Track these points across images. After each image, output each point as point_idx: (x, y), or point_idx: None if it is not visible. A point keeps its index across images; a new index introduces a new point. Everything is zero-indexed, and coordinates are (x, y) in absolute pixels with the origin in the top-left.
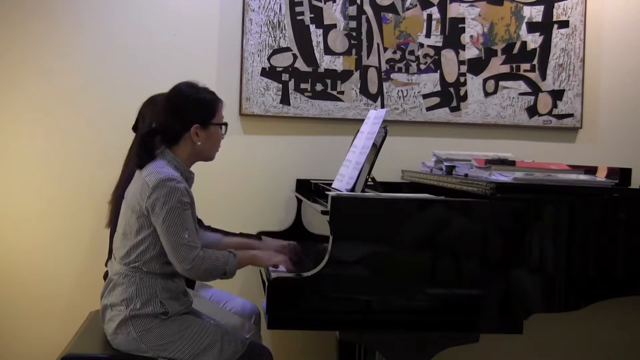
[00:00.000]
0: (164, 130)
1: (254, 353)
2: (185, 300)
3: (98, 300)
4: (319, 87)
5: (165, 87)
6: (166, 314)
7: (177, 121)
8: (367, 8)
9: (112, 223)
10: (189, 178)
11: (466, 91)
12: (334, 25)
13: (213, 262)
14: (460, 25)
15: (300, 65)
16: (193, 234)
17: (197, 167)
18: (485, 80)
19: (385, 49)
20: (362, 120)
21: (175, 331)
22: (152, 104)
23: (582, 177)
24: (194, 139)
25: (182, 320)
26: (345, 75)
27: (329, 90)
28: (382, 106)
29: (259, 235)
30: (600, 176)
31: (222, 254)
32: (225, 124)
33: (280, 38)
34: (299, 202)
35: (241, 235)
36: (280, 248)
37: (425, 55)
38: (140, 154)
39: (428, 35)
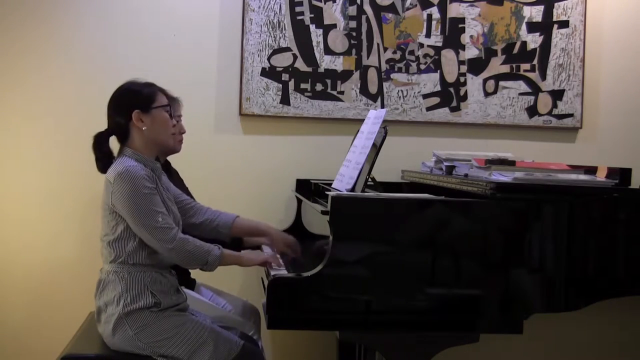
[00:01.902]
0: (113, 128)
1: (248, 355)
2: (179, 296)
3: None
4: (319, 87)
5: (165, 87)
6: (158, 305)
7: (119, 114)
8: (367, 8)
9: None
10: (154, 169)
11: (466, 91)
12: (334, 25)
13: (196, 247)
14: (460, 25)
15: (300, 65)
16: (165, 216)
17: (196, 167)
18: (485, 80)
19: (385, 49)
20: (362, 120)
21: (171, 327)
22: None
23: (582, 177)
24: (139, 125)
25: (178, 317)
26: (345, 75)
27: (329, 90)
28: (382, 106)
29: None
30: (600, 176)
31: (208, 244)
32: (168, 105)
33: (280, 38)
34: (299, 202)
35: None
36: (285, 240)
37: (425, 55)
38: (97, 156)
39: (428, 35)
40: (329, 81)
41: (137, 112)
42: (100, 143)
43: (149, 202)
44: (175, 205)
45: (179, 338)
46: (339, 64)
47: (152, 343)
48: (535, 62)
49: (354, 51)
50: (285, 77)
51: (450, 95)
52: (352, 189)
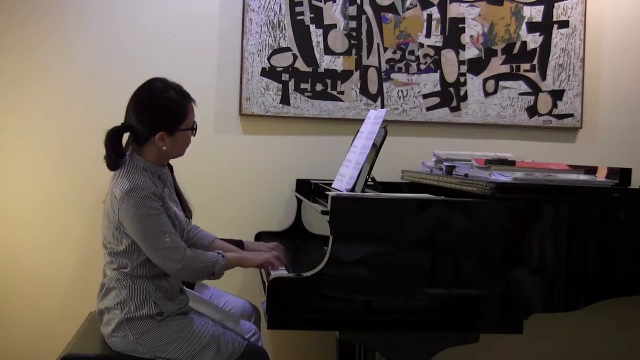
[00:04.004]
0: (130, 129)
1: (250, 356)
2: (182, 299)
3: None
4: (319, 87)
5: None
6: (161, 314)
7: (143, 124)
8: (367, 8)
9: None
10: (161, 175)
11: (466, 91)
12: (334, 25)
13: (203, 263)
14: (460, 25)
15: (300, 65)
16: (173, 235)
17: (196, 167)
18: (485, 80)
19: (385, 49)
20: (362, 120)
21: (173, 332)
22: None
23: (582, 177)
24: (160, 144)
25: (180, 320)
26: (345, 75)
27: (329, 90)
28: (382, 106)
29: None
30: (600, 176)
31: (212, 254)
32: (194, 128)
33: (280, 38)
34: (299, 202)
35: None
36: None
37: (425, 55)
38: (108, 153)
39: (428, 35)
40: (329, 81)
41: (162, 133)
42: (113, 139)
43: (155, 223)
44: (179, 208)
45: (181, 342)
46: (339, 64)
47: (153, 347)
48: (535, 62)
49: (354, 51)
50: (285, 77)
51: (450, 95)
52: (352, 189)
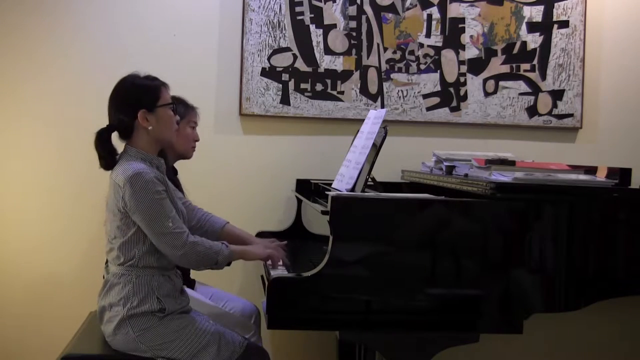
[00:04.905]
0: (116, 125)
1: (251, 355)
2: (183, 299)
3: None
4: (319, 87)
5: None
6: (163, 311)
7: (124, 112)
8: (367, 8)
9: None
10: (159, 166)
11: (466, 91)
12: (334, 25)
13: (205, 249)
14: (460, 25)
15: (300, 65)
16: (176, 220)
17: (196, 167)
18: (485, 80)
19: (385, 49)
20: (362, 120)
21: (174, 331)
22: None
23: (582, 177)
24: (145, 125)
25: (181, 319)
26: (345, 75)
27: (329, 90)
28: (382, 106)
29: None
30: (600, 176)
31: (215, 243)
32: (173, 104)
33: (280, 38)
34: (299, 202)
35: None
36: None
37: (425, 55)
38: (100, 154)
39: (428, 35)
40: (329, 81)
41: (142, 111)
42: (102, 140)
43: (159, 207)
44: (180, 201)
45: (181, 341)
46: (339, 64)
47: (153, 346)
48: (535, 62)
49: (354, 51)
50: (285, 77)
51: (450, 95)
52: (352, 189)
